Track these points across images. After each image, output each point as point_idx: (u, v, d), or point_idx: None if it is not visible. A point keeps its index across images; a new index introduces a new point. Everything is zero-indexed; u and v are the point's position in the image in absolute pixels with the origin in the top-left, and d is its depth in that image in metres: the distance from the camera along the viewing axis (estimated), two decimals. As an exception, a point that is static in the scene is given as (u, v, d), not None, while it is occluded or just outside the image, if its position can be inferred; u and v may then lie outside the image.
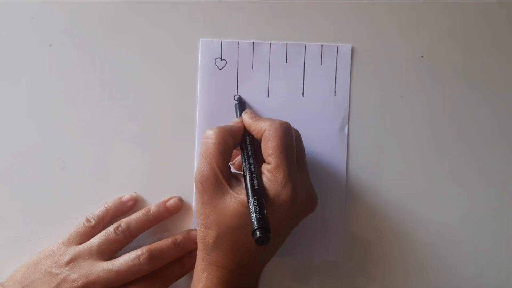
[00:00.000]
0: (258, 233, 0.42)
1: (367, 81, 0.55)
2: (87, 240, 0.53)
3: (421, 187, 0.55)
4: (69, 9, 0.54)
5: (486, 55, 0.55)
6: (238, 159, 0.52)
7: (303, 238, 0.54)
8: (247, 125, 0.50)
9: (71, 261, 0.51)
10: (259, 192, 0.45)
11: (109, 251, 0.52)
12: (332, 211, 0.55)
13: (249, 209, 0.43)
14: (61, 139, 0.55)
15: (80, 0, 0.54)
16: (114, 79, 0.55)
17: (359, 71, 0.55)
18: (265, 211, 0.43)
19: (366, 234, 0.56)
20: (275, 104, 0.54)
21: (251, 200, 0.44)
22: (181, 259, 0.54)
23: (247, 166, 0.47)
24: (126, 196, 0.55)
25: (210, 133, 0.48)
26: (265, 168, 0.47)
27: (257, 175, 0.46)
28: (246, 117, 0.51)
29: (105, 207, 0.54)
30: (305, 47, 0.54)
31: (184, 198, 0.55)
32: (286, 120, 0.49)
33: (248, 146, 0.49)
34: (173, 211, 0.54)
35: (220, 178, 0.47)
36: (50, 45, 0.54)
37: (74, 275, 0.50)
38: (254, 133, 0.49)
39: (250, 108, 0.54)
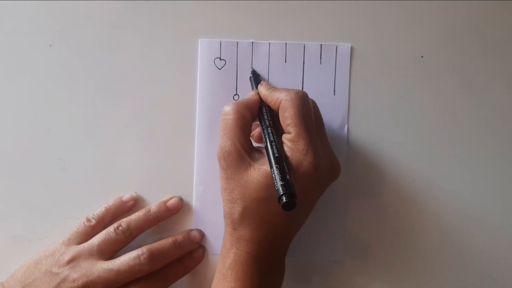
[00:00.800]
0: (284, 198, 0.42)
1: (366, 81, 0.55)
2: (88, 240, 0.53)
3: (421, 186, 0.55)
4: (69, 9, 0.54)
5: (485, 55, 0.55)
6: (257, 130, 0.52)
7: (304, 237, 0.54)
8: (263, 97, 0.51)
9: (72, 260, 0.51)
10: (280, 159, 0.45)
11: (110, 251, 0.52)
12: (332, 210, 0.55)
13: (273, 177, 0.44)
14: (61, 139, 0.55)
15: (80, 0, 0.54)
16: (114, 79, 0.55)
17: (358, 70, 0.55)
18: (287, 177, 0.43)
19: (367, 233, 0.56)
20: (275, 103, 0.54)
21: (274, 169, 0.44)
22: (181, 259, 0.54)
23: (267, 136, 0.47)
24: (126, 196, 0.55)
25: (228, 109, 0.48)
26: (285, 138, 0.47)
27: (277, 143, 0.46)
28: (262, 89, 0.51)
29: (106, 207, 0.54)
30: (304, 46, 0.54)
31: (184, 198, 0.55)
32: None
33: (266, 116, 0.50)
34: (174, 211, 0.54)
35: (242, 152, 0.47)
36: (50, 45, 0.54)
37: (74, 275, 0.50)
38: (271, 104, 0.49)
39: (265, 80, 0.54)
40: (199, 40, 0.54)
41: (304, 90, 0.54)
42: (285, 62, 0.55)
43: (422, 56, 0.55)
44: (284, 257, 0.50)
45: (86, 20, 0.54)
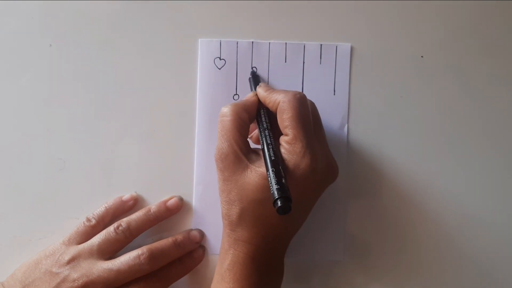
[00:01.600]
0: (279, 202, 0.42)
1: (366, 81, 0.55)
2: (88, 240, 0.53)
3: (421, 186, 0.55)
4: (69, 9, 0.54)
5: (486, 55, 0.55)
6: (255, 132, 0.52)
7: (304, 237, 0.54)
8: (261, 98, 0.50)
9: (72, 260, 0.51)
10: (276, 162, 0.45)
11: (110, 251, 0.52)
12: (332, 210, 0.55)
13: (269, 181, 0.44)
14: (61, 139, 0.55)
15: (80, 0, 0.54)
16: (114, 79, 0.55)
17: (358, 70, 0.55)
18: (283, 181, 0.43)
19: (366, 233, 0.56)
20: (275, 103, 0.54)
21: (269, 172, 0.44)
22: (181, 259, 0.54)
23: (264, 139, 0.47)
24: (126, 195, 0.55)
25: (225, 111, 0.48)
26: (283, 140, 0.47)
27: (273, 146, 0.46)
28: (260, 90, 0.51)
29: (106, 207, 0.54)
30: (304, 46, 0.54)
31: (184, 198, 0.55)
32: None
33: (263, 119, 0.50)
34: (174, 211, 0.55)
35: (239, 154, 0.47)
36: (50, 45, 0.54)
37: (74, 275, 0.50)
38: (269, 106, 0.49)
39: (264, 81, 0.54)
40: (199, 39, 0.54)
41: (304, 90, 0.54)
42: (285, 62, 0.55)
43: (422, 56, 0.55)
44: (282, 258, 0.50)
45: (86, 20, 0.54)
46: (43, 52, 0.54)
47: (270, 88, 0.51)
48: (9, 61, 0.54)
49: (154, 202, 0.55)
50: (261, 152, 0.48)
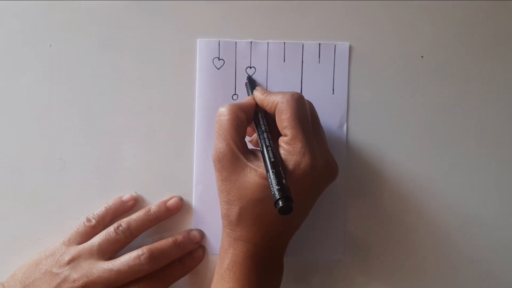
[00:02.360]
0: (280, 203, 0.42)
1: (365, 80, 0.55)
2: (88, 240, 0.53)
3: (421, 186, 0.55)
4: (69, 9, 0.54)
5: (486, 55, 0.55)
6: (255, 136, 0.52)
7: (304, 237, 0.54)
8: (259, 101, 0.50)
9: (72, 260, 0.51)
10: (275, 163, 0.45)
11: (110, 251, 0.52)
12: (332, 210, 0.55)
13: (269, 182, 0.44)
14: (61, 139, 0.55)
15: (80, 0, 0.54)
16: (113, 79, 0.55)
17: (357, 69, 0.55)
18: (283, 181, 0.43)
19: (366, 232, 0.55)
20: (274, 103, 0.54)
21: (270, 173, 0.44)
22: (181, 259, 0.54)
23: (263, 141, 0.47)
24: (126, 195, 0.55)
25: (223, 110, 0.48)
26: (282, 140, 0.47)
27: (272, 148, 0.47)
28: (257, 93, 0.51)
29: (106, 207, 0.54)
30: (303, 45, 0.54)
31: (184, 198, 0.55)
32: None
33: (261, 121, 0.50)
34: (174, 211, 0.55)
35: (237, 153, 0.47)
36: (50, 45, 0.55)
37: (74, 275, 0.50)
38: (267, 108, 0.49)
39: (261, 86, 0.54)
40: (198, 40, 0.55)
41: (303, 89, 0.54)
42: (284, 61, 0.55)
43: (422, 56, 0.55)
44: (282, 257, 0.50)
45: (86, 20, 0.55)
46: (43, 52, 0.55)
47: (266, 91, 0.51)
48: (9, 61, 0.55)
49: (154, 202, 0.55)
50: (259, 153, 0.48)
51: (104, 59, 0.55)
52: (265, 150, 0.46)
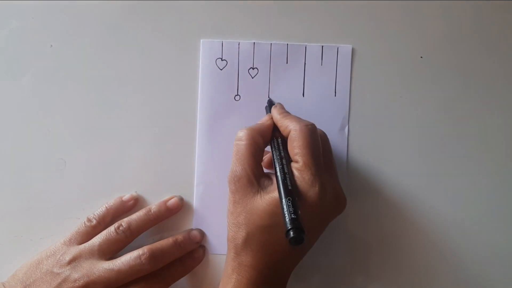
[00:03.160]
0: (291, 233, 0.42)
1: (367, 82, 0.55)
2: (88, 240, 0.53)
3: (422, 187, 0.55)
4: (70, 10, 0.54)
5: (486, 55, 0.55)
6: (267, 156, 0.52)
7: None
8: (275, 120, 0.51)
9: (73, 260, 0.51)
10: (293, 192, 0.45)
11: (110, 251, 0.52)
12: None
13: (283, 208, 0.43)
14: (62, 139, 0.55)
15: (80, 0, 0.54)
16: (115, 79, 0.55)
17: (359, 71, 0.55)
18: (299, 212, 0.43)
19: (366, 233, 0.56)
20: (276, 104, 0.54)
21: (284, 200, 0.44)
22: (182, 259, 0.54)
23: (280, 167, 0.47)
24: (126, 195, 0.55)
25: (241, 135, 0.49)
26: (293, 166, 0.48)
27: (290, 175, 0.46)
28: (275, 112, 0.51)
29: (106, 207, 0.54)
30: (305, 47, 0.54)
31: (185, 197, 0.55)
32: None
33: (281, 147, 0.49)
34: (174, 211, 0.55)
35: (251, 178, 0.47)
36: (51, 45, 0.54)
37: (75, 275, 0.50)
38: (281, 129, 0.50)
39: (280, 104, 0.54)
40: (201, 40, 0.54)
41: (305, 91, 0.55)
42: (287, 63, 0.55)
43: (421, 57, 0.55)
44: (285, 284, 0.50)
45: (87, 21, 0.54)
46: (44, 52, 0.54)
47: (284, 111, 0.51)
48: (10, 61, 0.54)
49: (154, 202, 0.55)
50: (273, 177, 0.48)
51: (106, 60, 0.55)
52: (281, 177, 0.46)
